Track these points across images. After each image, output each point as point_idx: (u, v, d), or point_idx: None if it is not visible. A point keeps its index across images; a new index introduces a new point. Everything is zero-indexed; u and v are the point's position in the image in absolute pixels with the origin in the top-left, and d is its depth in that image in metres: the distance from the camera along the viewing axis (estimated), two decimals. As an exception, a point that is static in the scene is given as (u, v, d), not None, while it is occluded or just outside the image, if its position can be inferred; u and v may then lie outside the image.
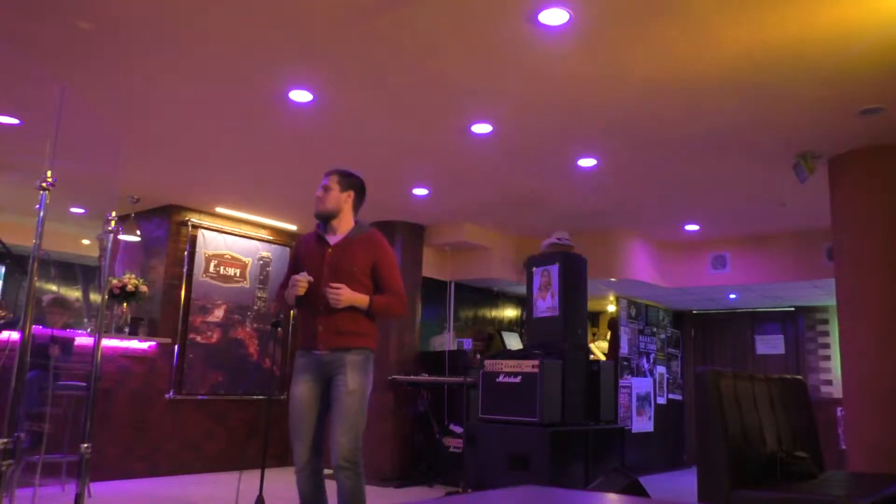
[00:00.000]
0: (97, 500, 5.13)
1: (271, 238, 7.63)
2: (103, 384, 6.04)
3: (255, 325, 7.41)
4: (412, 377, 6.98)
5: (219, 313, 7.11)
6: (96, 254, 6.69)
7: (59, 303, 5.75)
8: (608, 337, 8.50)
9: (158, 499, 5.44)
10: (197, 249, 7.00)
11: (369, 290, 3.31)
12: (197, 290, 6.95)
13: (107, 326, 6.20)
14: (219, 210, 7.11)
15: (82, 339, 5.65)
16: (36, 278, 2.80)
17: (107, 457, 6.04)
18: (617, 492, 3.36)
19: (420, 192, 6.23)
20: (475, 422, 5.26)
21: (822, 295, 7.89)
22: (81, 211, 7.29)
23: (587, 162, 5.26)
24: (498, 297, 9.09)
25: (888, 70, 3.67)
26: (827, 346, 8.76)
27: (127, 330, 6.36)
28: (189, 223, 6.99)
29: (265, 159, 5.50)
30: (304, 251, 3.43)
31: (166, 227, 6.92)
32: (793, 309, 9.07)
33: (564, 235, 5.58)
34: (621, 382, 7.89)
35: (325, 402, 3.26)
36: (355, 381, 3.19)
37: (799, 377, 4.59)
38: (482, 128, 4.65)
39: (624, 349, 8.16)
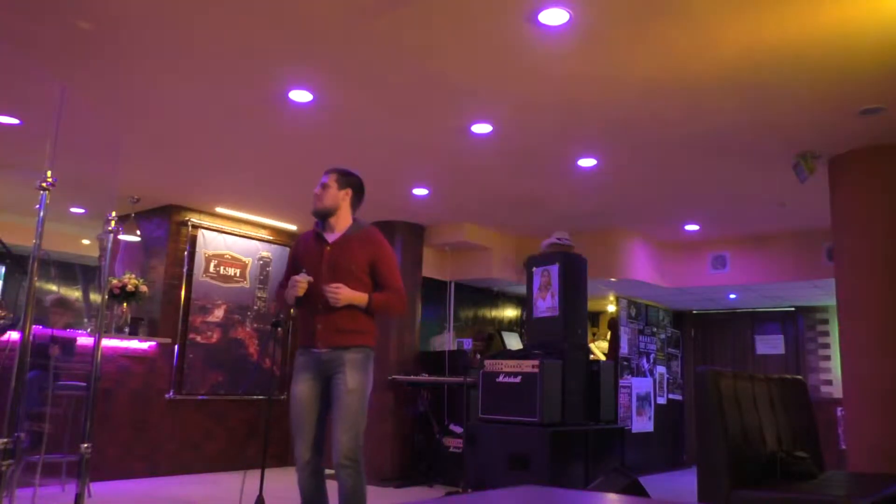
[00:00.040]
0: (97, 500, 5.13)
1: (271, 238, 7.63)
2: (103, 384, 6.04)
3: (255, 325, 7.41)
4: (412, 377, 6.98)
5: (219, 313, 7.11)
6: (96, 254, 6.69)
7: (62, 303, 5.76)
8: (608, 337, 8.50)
9: (158, 499, 5.44)
10: (197, 249, 7.00)
11: (368, 288, 3.31)
12: (197, 290, 6.95)
13: (107, 326, 6.19)
14: (219, 210, 7.11)
15: (82, 339, 5.66)
16: (36, 278, 2.80)
17: (107, 457, 6.04)
18: (617, 492, 3.36)
19: (420, 192, 6.23)
20: (475, 422, 5.26)
21: (822, 295, 7.89)
22: (81, 211, 7.29)
23: (587, 162, 5.26)
24: (498, 297, 9.09)
25: (888, 70, 3.67)
26: (827, 346, 8.76)
27: (127, 330, 6.36)
28: (189, 223, 6.99)
29: (265, 159, 5.50)
30: (303, 250, 3.43)
31: (166, 227, 6.92)
32: (793, 309, 9.07)
33: (564, 235, 5.58)
34: (621, 382, 7.89)
35: (326, 400, 3.26)
36: (355, 380, 3.19)
37: (799, 377, 4.59)
38: (482, 128, 4.65)
39: (624, 349, 8.16)
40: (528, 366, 4.84)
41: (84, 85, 4.16)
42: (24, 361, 2.72)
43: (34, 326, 3.25)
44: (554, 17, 3.24)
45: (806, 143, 4.73)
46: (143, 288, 6.42)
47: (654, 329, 8.86)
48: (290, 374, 3.48)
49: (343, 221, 3.40)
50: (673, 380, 9.11)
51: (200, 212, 7.11)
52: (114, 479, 6.05)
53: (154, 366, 6.56)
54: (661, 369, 8.83)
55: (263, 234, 7.58)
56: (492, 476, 4.85)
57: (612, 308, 8.96)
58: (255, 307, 7.43)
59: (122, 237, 6.49)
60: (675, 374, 9.19)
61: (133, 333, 6.38)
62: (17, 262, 3.53)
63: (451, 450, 6.65)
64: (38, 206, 2.85)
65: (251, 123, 4.74)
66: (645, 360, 8.52)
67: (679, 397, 9.19)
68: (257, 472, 4.40)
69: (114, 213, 3.44)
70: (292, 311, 3.85)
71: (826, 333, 8.81)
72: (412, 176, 5.85)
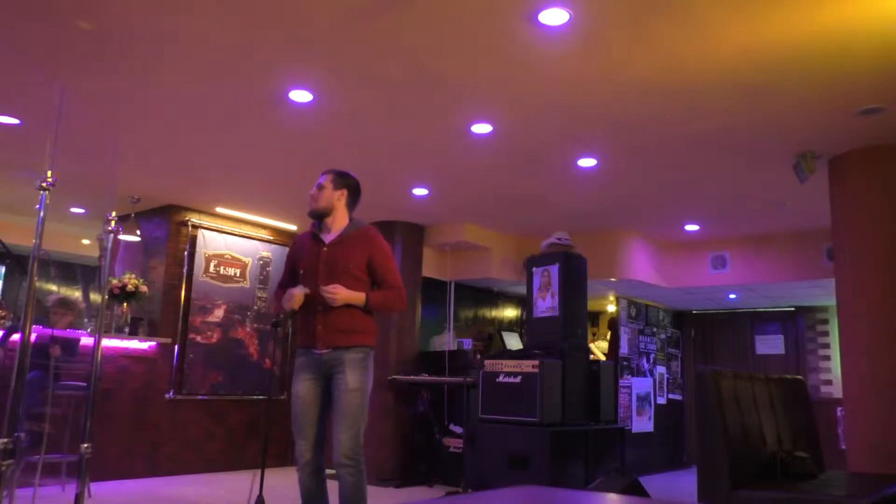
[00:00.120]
0: (97, 500, 5.13)
1: (271, 238, 7.63)
2: (103, 384, 6.04)
3: (255, 325, 7.41)
4: (412, 377, 6.98)
5: (219, 313, 7.11)
6: (96, 254, 6.69)
7: (65, 303, 5.76)
8: (608, 337, 8.51)
9: (158, 499, 5.44)
10: (197, 249, 7.00)
11: (367, 287, 3.33)
12: (197, 290, 6.95)
13: (107, 326, 6.20)
14: (219, 210, 7.11)
15: (83, 339, 5.66)
16: (36, 278, 2.80)
17: (107, 457, 6.04)
18: (617, 492, 3.36)
19: (420, 192, 6.23)
20: (475, 422, 5.26)
21: (822, 295, 7.89)
22: (81, 211, 7.29)
23: (587, 162, 5.26)
24: (498, 297, 9.09)
25: (888, 70, 3.67)
26: (827, 346, 8.76)
27: (127, 330, 6.36)
28: (189, 223, 6.99)
29: (265, 159, 5.50)
30: (300, 250, 3.44)
31: (166, 227, 6.92)
32: (793, 309, 9.07)
33: (564, 235, 5.58)
34: (621, 382, 7.89)
35: (327, 399, 3.27)
36: (355, 380, 3.20)
37: (799, 377, 4.58)
38: (482, 128, 4.65)
39: (624, 349, 8.15)
40: (528, 366, 4.84)
41: (84, 85, 4.16)
42: (24, 361, 2.72)
43: (35, 326, 3.25)
44: (554, 17, 3.24)
45: (806, 143, 4.73)
46: (143, 288, 6.43)
47: (654, 329, 8.86)
48: (291, 374, 3.49)
49: (339, 222, 3.41)
50: (673, 380, 9.11)
51: (200, 212, 7.11)
52: (114, 479, 6.05)
53: (154, 366, 6.56)
54: (661, 369, 8.83)
55: (263, 234, 7.58)
56: (492, 476, 4.85)
57: (612, 308, 8.96)
58: (255, 307, 7.43)
59: (122, 237, 6.49)
60: (675, 374, 9.19)
61: (133, 333, 6.38)
62: (17, 262, 3.53)
63: (451, 450, 6.65)
64: (38, 206, 2.85)
65: (251, 123, 4.74)
66: (645, 360, 8.52)
67: (679, 397, 9.19)
68: (256, 472, 4.41)
69: (114, 213, 3.43)
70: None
71: (826, 333, 8.81)
72: (412, 176, 5.85)
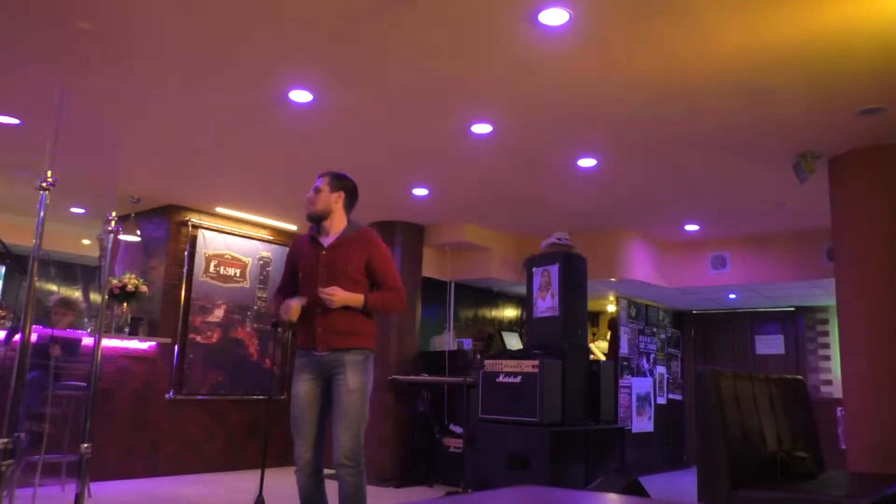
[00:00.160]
0: (97, 500, 5.13)
1: (271, 238, 7.63)
2: (103, 384, 6.04)
3: (255, 325, 7.41)
4: (412, 377, 6.98)
5: (219, 313, 7.11)
6: (96, 254, 6.69)
7: (66, 303, 5.76)
8: (608, 337, 8.51)
9: (158, 499, 5.44)
10: (197, 249, 7.00)
11: (366, 289, 3.33)
12: (197, 290, 6.95)
13: (107, 326, 6.20)
14: (219, 210, 7.11)
15: (83, 339, 5.66)
16: (36, 278, 2.80)
17: (107, 457, 6.04)
18: (617, 492, 3.36)
19: (420, 192, 6.23)
20: (475, 422, 5.26)
21: (822, 295, 7.89)
22: (81, 211, 7.29)
23: (587, 162, 5.26)
24: (498, 297, 9.09)
25: (888, 70, 3.67)
26: (827, 346, 8.76)
27: (127, 330, 6.36)
28: (189, 223, 6.99)
29: (265, 159, 5.50)
30: (300, 253, 3.45)
31: (166, 227, 6.92)
32: (793, 309, 9.07)
33: (564, 235, 5.58)
34: (621, 382, 7.89)
35: (326, 400, 3.28)
36: (356, 381, 3.21)
37: (799, 377, 4.58)
38: (482, 128, 4.65)
39: (624, 349, 8.16)
40: (528, 366, 4.84)
41: (84, 85, 4.16)
42: (24, 361, 2.72)
43: (36, 326, 3.25)
44: (554, 17, 3.24)
45: (806, 143, 4.73)
46: (143, 288, 6.43)
47: (654, 329, 8.86)
48: (291, 374, 3.49)
49: (337, 224, 3.41)
50: (673, 380, 9.11)
51: (200, 212, 7.11)
52: (114, 479, 6.05)
53: (154, 366, 6.56)
54: (661, 369, 8.83)
55: (263, 234, 7.58)
56: (492, 476, 4.85)
57: (612, 308, 8.96)
58: (255, 307, 7.43)
59: (122, 237, 6.49)
60: (675, 374, 9.19)
61: (133, 333, 6.38)
62: (17, 262, 3.53)
63: (451, 450, 6.65)
64: (38, 206, 2.85)
65: (251, 123, 4.74)
66: (645, 360, 8.52)
67: (679, 397, 9.19)
68: (256, 472, 4.41)
69: (114, 213, 3.43)
70: None
71: (826, 333, 8.81)
72: (412, 176, 5.84)
